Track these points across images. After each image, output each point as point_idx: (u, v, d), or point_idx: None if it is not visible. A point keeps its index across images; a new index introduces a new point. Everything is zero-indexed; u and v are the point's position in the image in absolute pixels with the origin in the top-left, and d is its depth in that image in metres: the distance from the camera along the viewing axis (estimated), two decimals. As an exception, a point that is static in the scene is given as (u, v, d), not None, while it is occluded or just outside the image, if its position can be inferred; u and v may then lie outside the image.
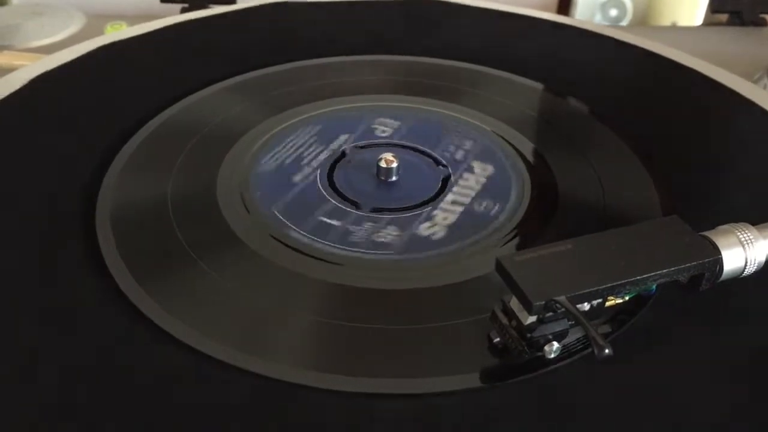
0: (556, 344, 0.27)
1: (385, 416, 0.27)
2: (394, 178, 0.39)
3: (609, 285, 0.27)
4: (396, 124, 0.44)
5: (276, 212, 0.37)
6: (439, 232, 0.35)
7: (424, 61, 0.52)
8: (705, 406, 0.27)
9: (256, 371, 0.28)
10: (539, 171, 0.41)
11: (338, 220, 0.36)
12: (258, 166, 0.40)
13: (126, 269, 0.32)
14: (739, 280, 0.29)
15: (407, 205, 0.38)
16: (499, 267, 0.27)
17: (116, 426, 0.26)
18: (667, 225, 0.30)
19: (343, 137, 0.43)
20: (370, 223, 0.36)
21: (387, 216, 0.37)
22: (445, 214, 0.37)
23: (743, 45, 0.66)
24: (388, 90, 0.48)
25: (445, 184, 0.39)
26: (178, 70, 0.49)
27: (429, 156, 0.41)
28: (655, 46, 0.53)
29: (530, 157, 0.42)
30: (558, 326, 0.27)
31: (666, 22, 0.88)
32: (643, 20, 0.89)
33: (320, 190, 0.39)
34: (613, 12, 0.88)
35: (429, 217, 0.37)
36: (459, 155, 0.41)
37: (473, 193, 0.38)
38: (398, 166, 0.39)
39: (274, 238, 0.35)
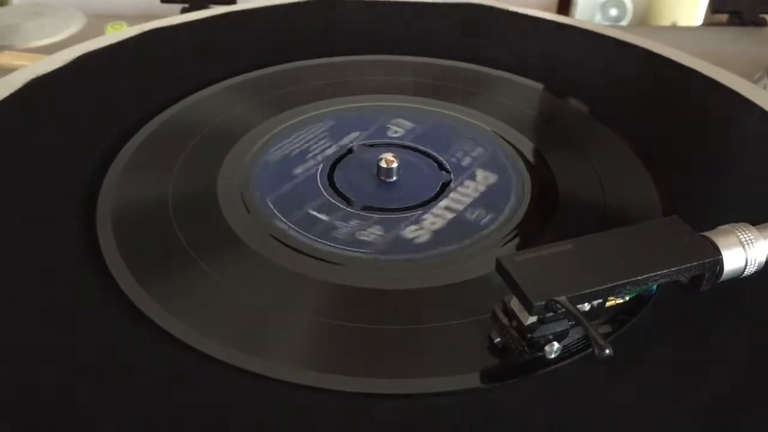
0: (556, 344, 0.27)
1: (385, 416, 0.27)
2: (393, 179, 0.39)
3: (609, 285, 0.27)
4: (410, 125, 0.44)
5: (268, 201, 0.37)
6: (423, 236, 0.35)
7: (449, 64, 0.52)
8: (705, 406, 0.27)
9: (256, 371, 0.28)
10: (539, 171, 0.41)
11: (327, 214, 0.37)
12: (264, 155, 0.41)
13: (126, 269, 0.32)
14: (739, 280, 0.29)
15: (399, 207, 0.37)
16: (500, 267, 0.27)
17: (116, 426, 0.26)
18: (667, 225, 0.30)
19: (354, 134, 0.43)
20: (357, 221, 0.36)
21: (376, 215, 0.37)
22: (435, 219, 0.36)
23: (743, 45, 0.66)
24: (409, 91, 0.48)
25: (443, 189, 0.39)
26: (178, 70, 0.49)
27: (435, 160, 0.41)
28: (655, 46, 0.53)
29: (530, 157, 0.42)
30: (558, 326, 0.27)
31: (666, 22, 0.88)
32: (643, 20, 0.89)
33: (317, 184, 0.39)
34: (613, 12, 0.88)
35: (417, 221, 0.36)
36: (466, 162, 0.40)
37: (469, 201, 0.38)
38: (398, 167, 0.39)
39: (275, 238, 0.35)
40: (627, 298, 0.28)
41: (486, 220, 0.36)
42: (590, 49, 0.54)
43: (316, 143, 0.42)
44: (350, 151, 0.42)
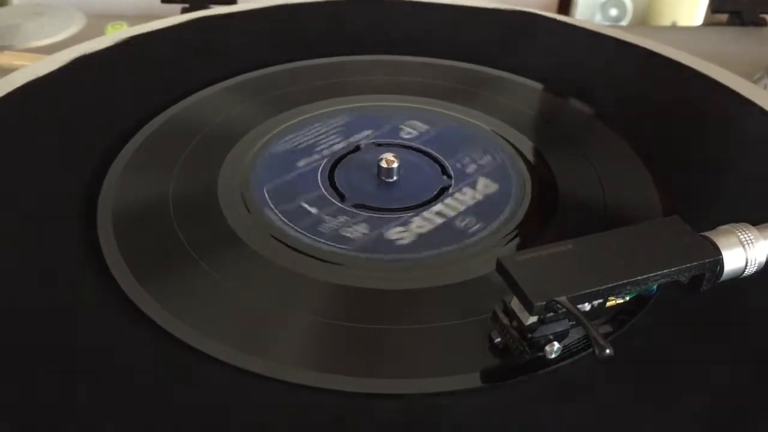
0: (556, 344, 0.27)
1: (385, 416, 0.27)
2: (393, 179, 0.39)
3: (610, 285, 0.27)
4: (424, 128, 0.44)
5: (265, 189, 0.37)
6: (406, 239, 0.35)
7: (469, 67, 0.52)
8: (705, 406, 0.27)
9: (256, 371, 0.28)
10: (540, 171, 0.41)
11: (317, 208, 0.37)
12: (272, 146, 0.41)
13: (127, 269, 0.32)
14: (739, 280, 0.29)
15: (391, 207, 0.37)
16: (500, 267, 0.27)
17: (116, 426, 0.26)
18: (667, 225, 0.30)
19: (366, 132, 0.43)
20: (345, 217, 0.36)
21: (365, 213, 0.37)
22: (423, 222, 0.36)
23: (743, 45, 0.66)
24: (433, 93, 0.48)
25: (440, 194, 0.39)
26: (179, 70, 0.49)
27: (440, 164, 0.41)
28: (655, 45, 0.53)
29: (531, 157, 0.42)
30: (559, 326, 0.27)
31: (666, 22, 0.88)
32: (643, 20, 0.89)
33: (317, 178, 0.39)
34: (613, 12, 0.88)
35: (405, 223, 0.36)
36: (471, 169, 0.40)
37: (462, 209, 0.37)
38: (399, 168, 0.39)
39: (275, 238, 0.35)
40: (627, 298, 0.28)
41: (474, 228, 0.36)
42: (590, 49, 0.54)
43: (326, 138, 0.42)
44: (358, 148, 0.42)
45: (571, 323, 0.27)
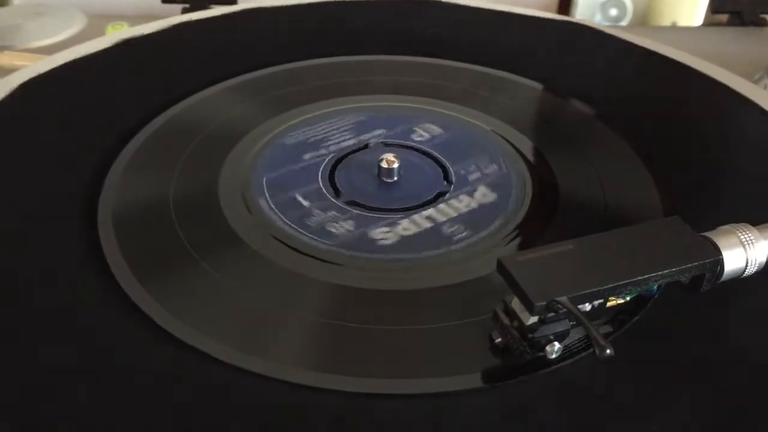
0: (557, 344, 0.27)
1: (385, 416, 0.27)
2: (393, 180, 0.39)
3: (610, 285, 0.27)
4: (438, 131, 0.43)
5: (264, 179, 0.38)
6: (389, 240, 0.35)
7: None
8: (706, 405, 0.27)
9: (257, 371, 0.28)
10: (540, 171, 0.41)
11: (310, 201, 0.37)
12: (283, 137, 0.42)
13: (127, 269, 0.32)
14: (740, 280, 0.29)
15: (382, 207, 0.37)
16: (501, 267, 0.27)
17: (116, 426, 0.26)
18: (668, 225, 0.30)
19: (378, 132, 0.43)
20: (334, 213, 0.37)
21: (355, 211, 0.37)
22: (410, 225, 0.36)
23: (743, 45, 0.66)
24: (451, 96, 0.48)
25: (436, 198, 0.38)
26: (179, 70, 0.49)
27: (444, 169, 0.41)
28: (655, 45, 0.53)
29: (531, 157, 0.42)
30: (559, 326, 0.27)
31: (666, 22, 0.88)
32: (643, 20, 0.89)
33: (317, 172, 0.39)
34: (613, 12, 0.88)
35: (392, 224, 0.36)
36: (474, 176, 0.40)
37: (453, 215, 0.37)
38: (399, 169, 0.39)
39: (276, 239, 0.35)
40: (628, 299, 0.29)
41: (460, 236, 0.35)
42: (590, 49, 0.54)
43: (338, 134, 0.42)
44: (366, 146, 0.42)
45: (571, 323, 0.27)
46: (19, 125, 0.42)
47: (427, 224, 0.36)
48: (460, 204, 0.37)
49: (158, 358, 0.28)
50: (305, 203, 0.37)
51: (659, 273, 0.27)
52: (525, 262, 0.27)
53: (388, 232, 0.36)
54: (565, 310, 0.26)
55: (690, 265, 0.28)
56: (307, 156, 0.41)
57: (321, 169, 0.40)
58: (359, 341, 0.30)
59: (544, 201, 0.38)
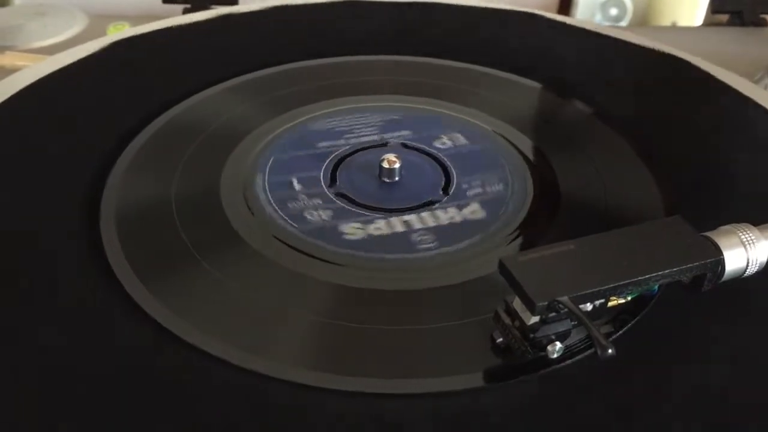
0: (558, 344, 0.27)
1: (385, 416, 0.27)
2: (392, 180, 0.39)
3: (611, 285, 0.27)
4: (463, 142, 0.43)
5: (270, 160, 0.39)
6: (356, 235, 0.35)
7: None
8: (706, 405, 0.27)
9: (258, 371, 0.28)
10: (541, 171, 0.41)
11: (303, 186, 0.38)
12: (311, 123, 0.43)
13: (130, 269, 0.32)
14: (741, 280, 0.29)
15: (367, 204, 0.37)
16: (502, 267, 0.27)
17: (117, 426, 0.26)
18: (669, 225, 0.30)
19: (404, 133, 0.43)
20: (319, 201, 0.37)
21: (339, 203, 0.37)
22: (384, 226, 0.36)
23: (744, 45, 0.66)
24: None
25: (424, 205, 0.38)
26: (181, 71, 0.49)
27: (448, 179, 0.40)
28: (655, 45, 0.53)
29: (532, 157, 0.42)
30: (561, 326, 0.27)
31: (666, 21, 0.88)
32: (643, 20, 0.89)
33: (323, 160, 0.40)
34: (614, 11, 0.88)
35: (368, 222, 0.36)
36: (473, 192, 0.39)
37: (432, 225, 0.36)
38: (400, 170, 0.39)
39: (277, 239, 0.35)
40: (629, 298, 0.29)
41: (426, 246, 0.35)
42: (590, 49, 0.54)
43: (364, 128, 0.43)
44: (385, 144, 0.42)
45: (573, 323, 0.27)
46: (21, 125, 0.42)
47: (401, 228, 0.36)
48: (445, 215, 0.37)
49: (160, 358, 0.28)
50: (297, 187, 0.37)
51: (660, 273, 0.27)
52: (526, 262, 0.27)
53: (359, 228, 0.36)
54: (566, 310, 0.26)
55: (691, 265, 0.28)
56: (323, 144, 0.41)
57: (329, 159, 0.40)
58: (359, 341, 0.30)
59: (545, 201, 0.38)
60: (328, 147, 0.41)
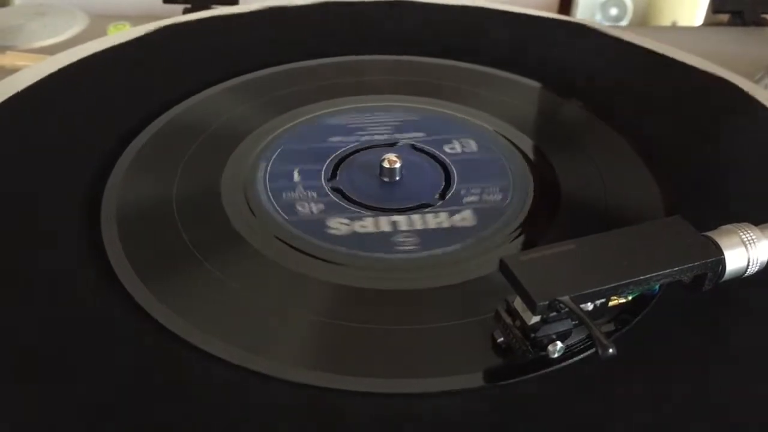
0: (559, 344, 0.27)
1: (386, 416, 0.27)
2: (391, 180, 0.39)
3: (612, 285, 0.27)
4: (473, 148, 0.42)
5: (279, 149, 0.39)
6: (340, 231, 0.35)
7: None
8: (707, 405, 0.27)
9: (258, 370, 0.28)
10: (542, 171, 0.41)
11: (302, 178, 0.38)
12: (329, 117, 0.43)
13: (131, 269, 0.32)
14: (741, 279, 0.29)
15: (360, 201, 0.38)
16: (503, 267, 0.27)
17: (117, 426, 0.26)
18: (669, 225, 0.30)
19: (416, 134, 0.43)
20: (314, 194, 0.37)
21: (332, 198, 0.38)
22: (370, 224, 0.36)
23: (744, 45, 0.66)
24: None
25: (415, 208, 0.38)
26: (181, 70, 0.49)
27: (448, 184, 0.40)
28: (656, 45, 0.53)
29: (533, 157, 0.42)
30: (562, 326, 0.27)
31: (666, 21, 0.88)
32: (643, 20, 0.89)
33: (329, 154, 0.40)
34: (614, 11, 0.88)
35: (356, 218, 0.36)
36: (470, 199, 0.38)
37: (418, 227, 0.36)
38: (400, 171, 0.39)
39: (278, 239, 0.35)
40: (630, 298, 0.29)
41: (404, 248, 0.35)
42: (591, 48, 0.54)
43: (378, 127, 0.43)
44: (394, 144, 0.42)
45: (574, 323, 0.27)
46: (21, 125, 0.42)
47: (387, 228, 0.36)
48: (434, 220, 0.37)
49: (162, 358, 0.28)
50: (296, 178, 0.38)
51: (661, 272, 0.27)
52: (527, 262, 0.27)
53: (345, 224, 0.36)
54: (567, 309, 0.26)
55: (692, 264, 0.28)
56: (334, 139, 0.42)
57: (335, 153, 0.41)
58: (359, 341, 0.30)
59: (546, 201, 0.38)
60: (338, 142, 0.42)
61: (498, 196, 0.38)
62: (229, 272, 0.33)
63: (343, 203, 0.37)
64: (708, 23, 0.82)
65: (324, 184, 0.38)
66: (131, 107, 0.44)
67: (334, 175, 0.39)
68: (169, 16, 0.57)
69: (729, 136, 0.44)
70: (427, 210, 0.37)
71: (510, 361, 0.29)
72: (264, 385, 0.27)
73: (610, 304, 0.28)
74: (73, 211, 0.36)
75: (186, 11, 0.67)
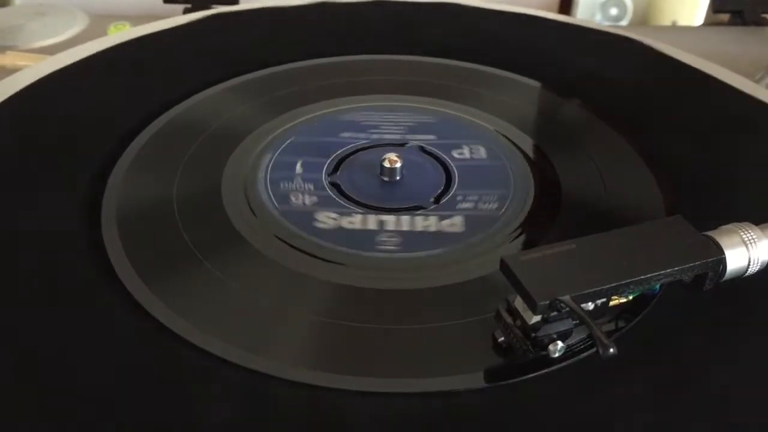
0: (560, 343, 0.27)
1: (385, 416, 0.27)
2: (395, 179, 0.39)
3: (613, 285, 0.27)
4: (482, 156, 0.42)
5: (289, 141, 0.40)
6: (327, 225, 0.36)
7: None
8: (707, 405, 0.27)
9: (259, 370, 0.28)
10: (543, 170, 0.41)
11: (304, 170, 0.39)
12: (348, 113, 0.44)
13: (131, 269, 0.32)
14: (742, 279, 0.29)
15: (355, 199, 0.38)
16: (504, 267, 0.27)
17: (117, 426, 0.26)
18: (670, 225, 0.30)
19: (428, 137, 0.43)
20: (310, 186, 0.38)
21: (327, 192, 0.38)
22: (358, 221, 0.36)
23: (744, 45, 0.66)
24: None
25: (407, 209, 0.37)
26: (182, 70, 0.49)
27: (447, 189, 0.39)
28: (656, 45, 0.53)
29: (534, 157, 0.42)
30: (562, 325, 0.27)
31: (666, 21, 0.88)
32: (643, 20, 0.89)
33: (336, 149, 0.41)
34: (614, 11, 0.88)
35: (345, 214, 0.36)
36: (465, 206, 0.38)
37: (404, 229, 0.36)
38: (401, 171, 0.39)
39: (279, 239, 0.35)
40: (630, 297, 0.29)
41: (386, 247, 0.35)
42: (591, 48, 0.54)
43: (392, 126, 0.43)
44: (403, 144, 0.42)
45: (574, 322, 0.27)
46: (22, 125, 0.42)
47: (373, 226, 0.36)
48: (424, 223, 0.36)
49: (162, 358, 0.28)
50: (298, 170, 0.38)
51: (662, 272, 0.27)
52: (528, 262, 0.27)
53: (333, 219, 0.36)
54: (568, 309, 0.26)
55: (692, 264, 0.28)
56: (345, 134, 0.42)
57: (342, 149, 0.41)
58: (359, 341, 0.30)
59: (546, 201, 0.38)
60: (348, 138, 0.42)
61: (494, 205, 0.38)
62: (229, 272, 0.33)
63: (337, 198, 0.38)
64: (708, 23, 0.82)
65: (323, 177, 0.39)
66: (131, 107, 0.44)
67: (336, 171, 0.40)
68: (169, 16, 0.57)
69: (729, 136, 0.44)
70: (418, 212, 0.37)
71: (510, 360, 0.29)
72: (264, 385, 0.27)
73: (611, 303, 0.28)
74: (73, 210, 0.36)
75: (186, 11, 0.67)
